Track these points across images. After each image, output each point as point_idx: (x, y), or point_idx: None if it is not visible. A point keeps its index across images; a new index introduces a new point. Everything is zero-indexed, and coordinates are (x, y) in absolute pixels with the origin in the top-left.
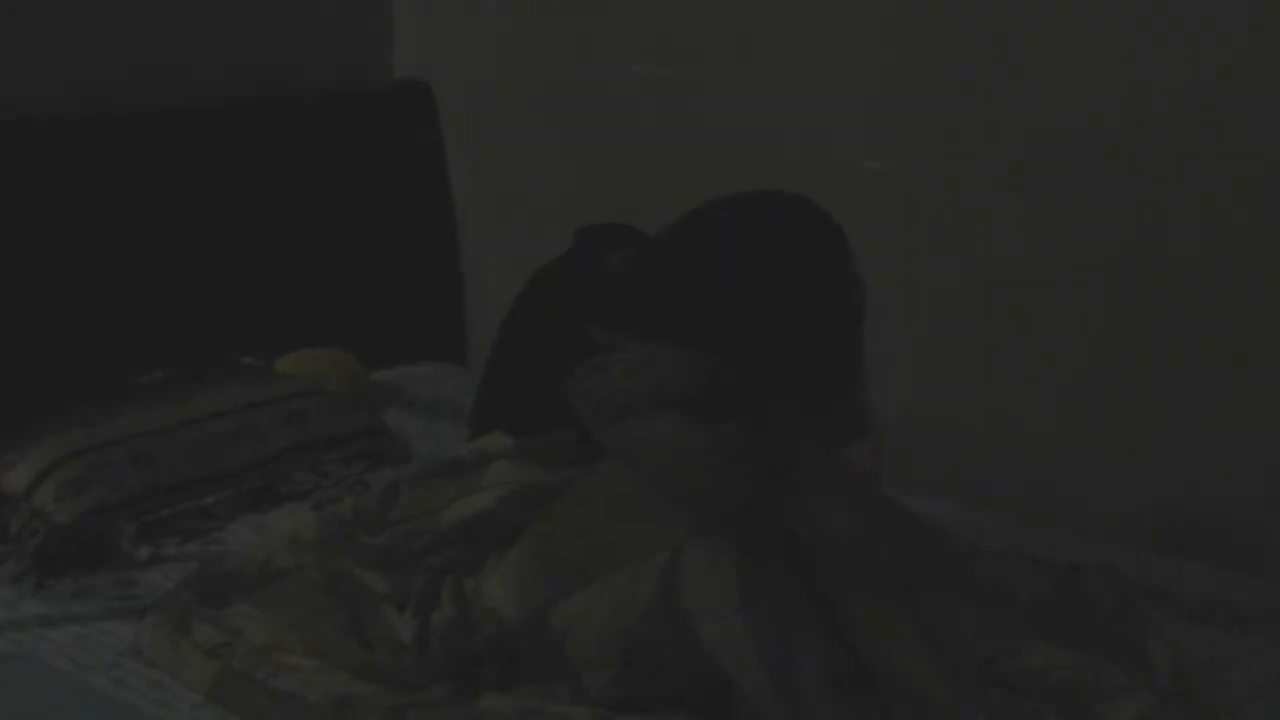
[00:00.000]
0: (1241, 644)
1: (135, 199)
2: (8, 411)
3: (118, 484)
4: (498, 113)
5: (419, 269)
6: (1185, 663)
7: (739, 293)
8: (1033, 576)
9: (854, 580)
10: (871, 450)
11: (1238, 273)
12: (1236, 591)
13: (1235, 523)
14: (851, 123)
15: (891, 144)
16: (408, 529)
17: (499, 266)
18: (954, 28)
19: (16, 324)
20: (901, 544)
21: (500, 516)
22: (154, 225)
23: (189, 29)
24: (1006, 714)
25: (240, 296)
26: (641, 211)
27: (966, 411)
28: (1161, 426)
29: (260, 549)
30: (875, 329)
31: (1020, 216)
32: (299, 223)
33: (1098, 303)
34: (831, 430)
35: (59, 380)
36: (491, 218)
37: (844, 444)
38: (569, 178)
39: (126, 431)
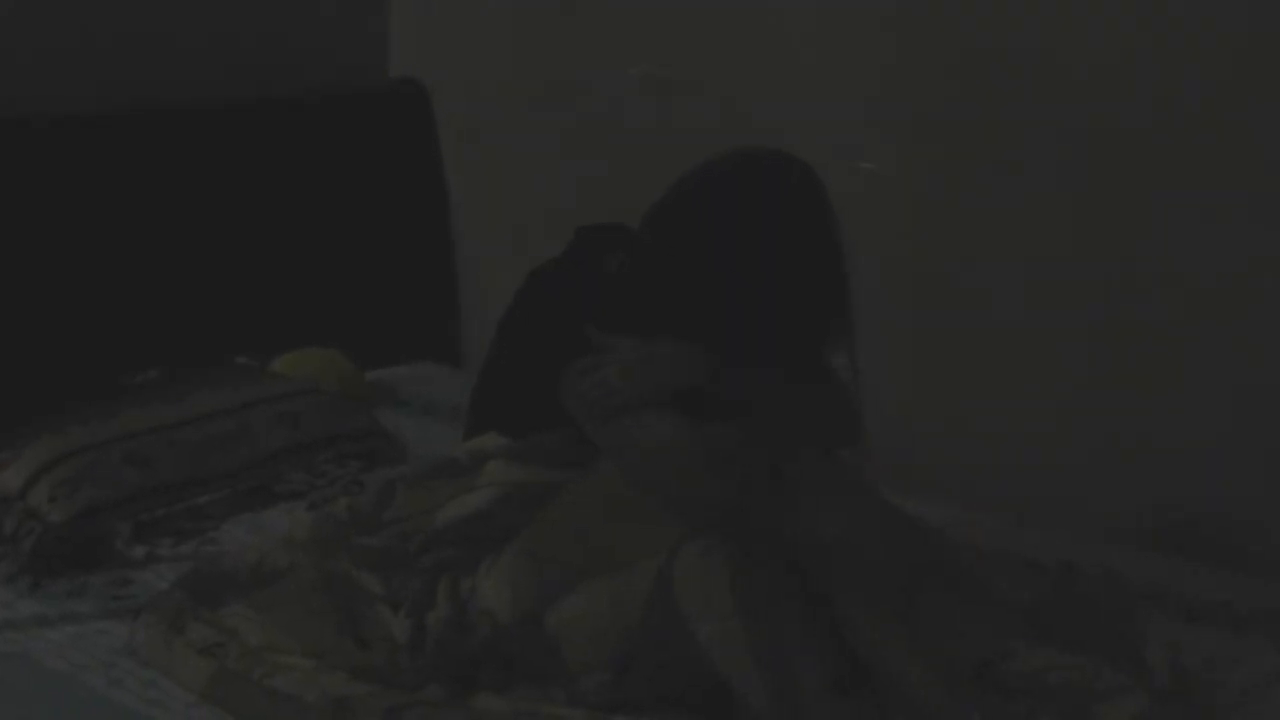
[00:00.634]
0: (1239, 644)
1: (131, 198)
2: (2, 410)
3: (112, 484)
4: (495, 113)
5: (415, 269)
6: (1183, 663)
7: (728, 279)
8: (1030, 577)
9: (849, 582)
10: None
11: (1238, 272)
12: (1234, 592)
13: (1233, 523)
14: (851, 123)
15: (891, 143)
16: (403, 529)
17: (496, 267)
18: (954, 27)
19: (11, 323)
20: (897, 545)
21: (496, 517)
22: (149, 225)
23: (185, 29)
24: (1003, 715)
25: (236, 296)
26: (639, 212)
27: (965, 412)
28: (1160, 427)
29: (255, 549)
30: (875, 329)
31: (1019, 216)
32: (295, 222)
33: (1097, 303)
34: (823, 425)
35: (54, 380)
36: (489, 218)
37: (837, 442)
38: (566, 178)
39: (121, 431)
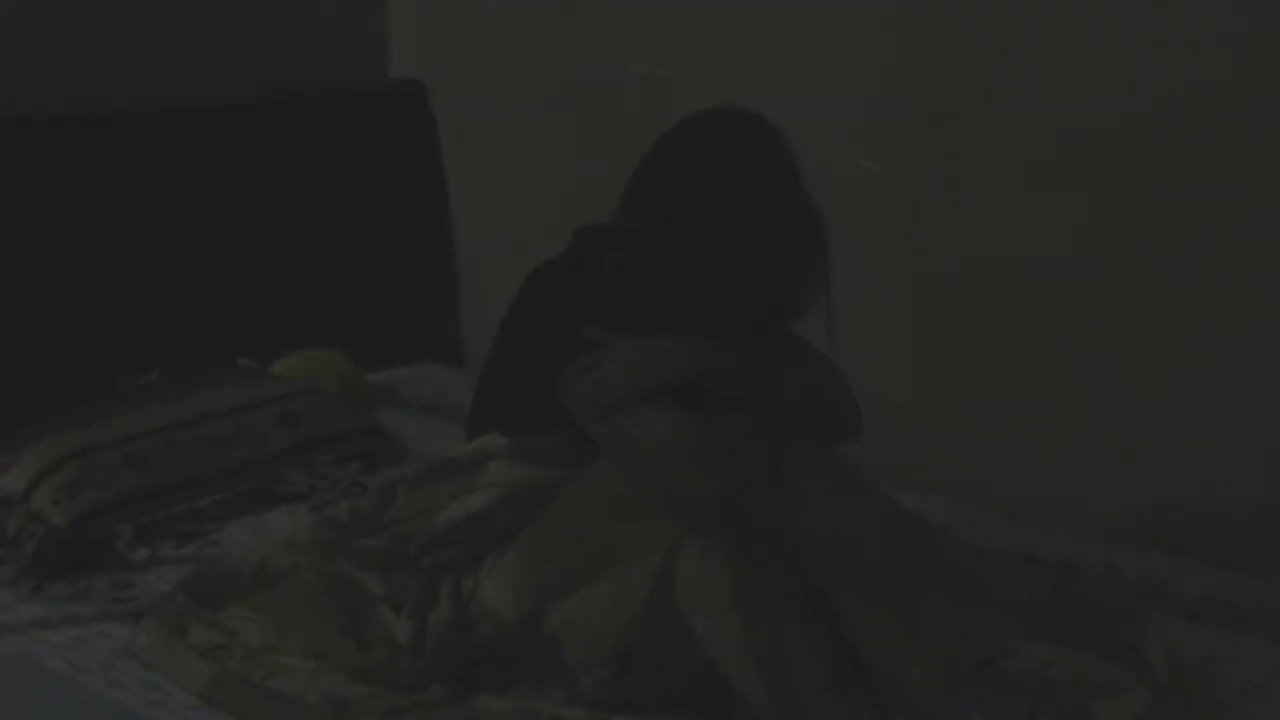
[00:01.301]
0: (1238, 643)
1: (130, 199)
2: (3, 413)
3: (113, 486)
4: (495, 113)
5: (415, 269)
6: (1182, 661)
7: (711, 231)
8: (1029, 575)
9: (849, 579)
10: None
11: (1237, 272)
12: (1233, 590)
13: (1232, 522)
14: (851, 122)
15: (891, 143)
16: (404, 530)
17: (496, 267)
18: (954, 27)
19: (11, 325)
20: (897, 543)
21: (497, 517)
22: (150, 225)
23: (185, 29)
24: (1002, 714)
25: (236, 297)
26: None
27: (964, 410)
28: (1160, 427)
29: (257, 551)
30: (873, 328)
31: (1018, 216)
32: (295, 223)
33: (1096, 302)
34: (823, 419)
35: (54, 382)
36: (489, 219)
37: (837, 437)
38: (566, 178)
39: (122, 433)
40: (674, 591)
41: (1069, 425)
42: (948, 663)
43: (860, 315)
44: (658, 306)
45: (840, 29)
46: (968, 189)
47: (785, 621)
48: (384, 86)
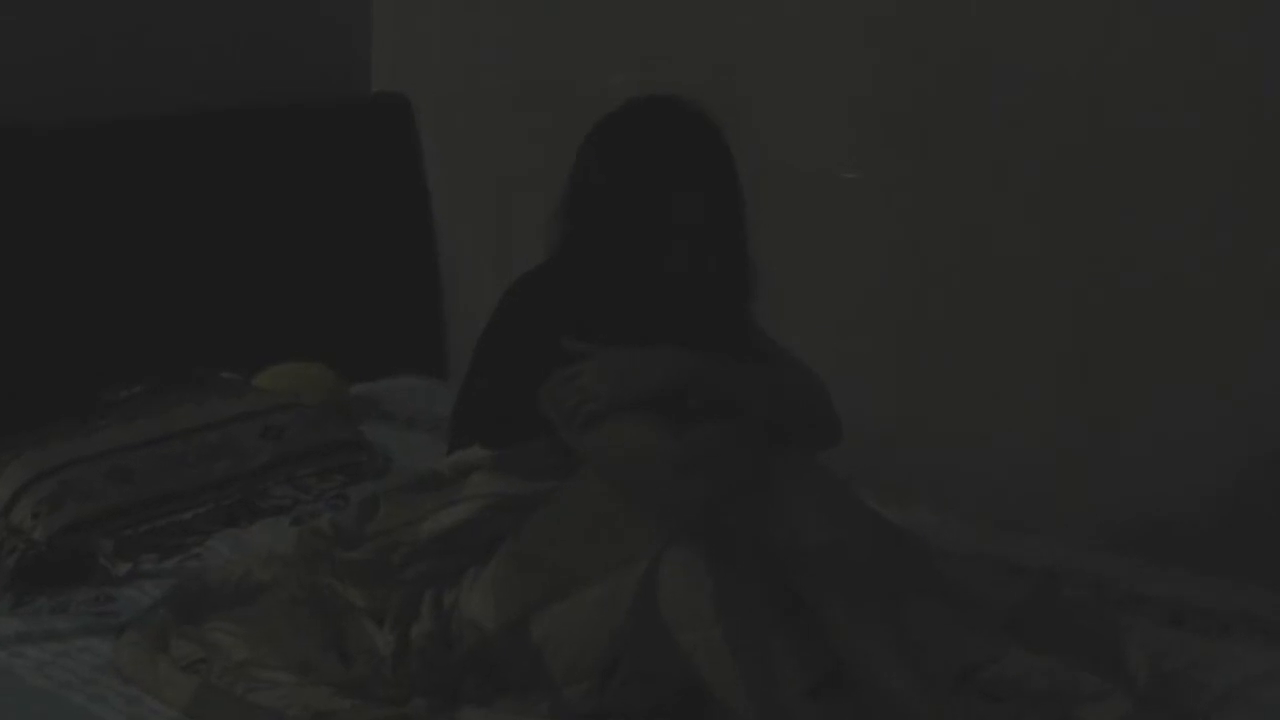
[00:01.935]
0: (1218, 648)
1: (112, 210)
2: None
3: (95, 499)
4: (478, 126)
5: (398, 282)
6: (1163, 667)
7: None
8: (1012, 584)
9: (834, 586)
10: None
11: (1228, 277)
12: (1213, 596)
13: (1212, 528)
14: (839, 125)
15: (882, 146)
16: (387, 542)
17: (480, 280)
18: (944, 29)
19: None
20: (880, 551)
21: (479, 528)
22: (131, 236)
23: (168, 40)
24: None
25: (219, 309)
26: None
27: (947, 418)
28: (1144, 432)
29: (239, 564)
30: (854, 337)
31: (1007, 222)
32: (279, 236)
33: (1083, 309)
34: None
35: (35, 395)
36: (473, 231)
37: (819, 443)
38: (550, 190)
39: (105, 447)
40: (657, 601)
41: (1049, 432)
42: (930, 670)
43: (841, 325)
44: (630, 315)
45: (828, 32)
46: (953, 194)
47: (768, 631)
48: (367, 99)
